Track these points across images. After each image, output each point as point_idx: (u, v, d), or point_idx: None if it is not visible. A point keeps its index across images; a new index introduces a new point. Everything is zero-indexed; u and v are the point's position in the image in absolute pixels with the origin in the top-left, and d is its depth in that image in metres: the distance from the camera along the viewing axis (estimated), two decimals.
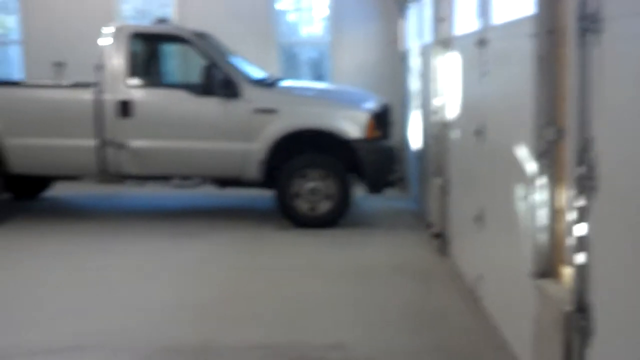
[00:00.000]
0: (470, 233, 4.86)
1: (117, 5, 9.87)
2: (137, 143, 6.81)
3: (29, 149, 6.79)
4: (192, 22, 9.28)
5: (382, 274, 5.49)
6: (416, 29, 7.87)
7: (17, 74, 10.01)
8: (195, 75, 7.03)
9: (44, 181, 8.29)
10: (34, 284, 5.19)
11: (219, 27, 9.09)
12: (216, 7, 9.78)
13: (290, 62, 11.71)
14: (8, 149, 6.76)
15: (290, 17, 11.50)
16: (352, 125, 6.85)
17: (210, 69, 6.82)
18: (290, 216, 6.94)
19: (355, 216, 7.39)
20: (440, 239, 5.94)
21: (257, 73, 7.56)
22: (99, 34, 6.98)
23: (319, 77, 10.79)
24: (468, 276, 4.99)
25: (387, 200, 8.03)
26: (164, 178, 7.23)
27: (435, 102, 6.09)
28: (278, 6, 10.40)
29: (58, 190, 8.50)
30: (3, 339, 4.17)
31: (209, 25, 8.68)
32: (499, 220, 4.19)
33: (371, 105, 7.12)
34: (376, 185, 7.07)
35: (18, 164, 6.85)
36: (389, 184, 7.18)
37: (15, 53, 10.22)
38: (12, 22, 10.10)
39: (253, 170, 6.87)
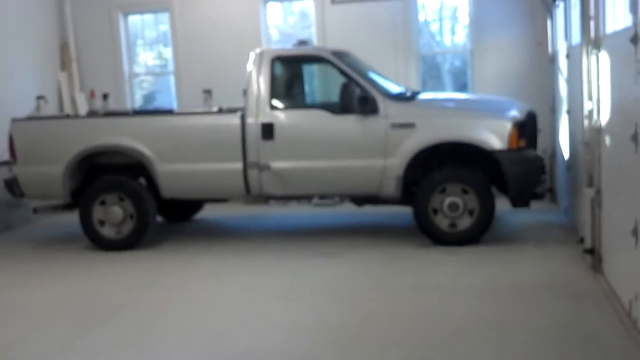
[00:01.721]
0: (626, 248, 4.44)
1: (263, 31, 10.24)
2: (278, 164, 6.96)
3: (180, 175, 7.16)
4: (333, 41, 9.48)
5: (529, 293, 5.17)
6: (564, 28, 7.43)
7: (173, 103, 10.69)
8: (335, 94, 7.08)
9: (194, 204, 8.75)
10: (184, 303, 5.44)
11: (359, 42, 9.19)
12: (355, 23, 9.85)
13: (432, 72, 11.51)
14: (160, 175, 7.17)
15: (431, 27, 11.32)
16: (494, 135, 6.56)
17: (348, 86, 6.84)
18: (429, 233, 6.76)
19: (499, 232, 7.07)
20: (593, 255, 5.49)
21: (395, 88, 7.48)
22: (246, 60, 7.23)
23: (461, 86, 10.51)
24: (624, 296, 4.56)
25: (534, 214, 7.61)
26: (304, 197, 7.34)
27: (586, 106, 5.67)
28: (418, 17, 10.26)
29: (207, 213, 8.93)
30: (151, 358, 4.40)
31: (349, 41, 8.79)
32: None
33: (514, 113, 6.78)
34: (521, 198, 6.71)
35: (169, 189, 7.24)
36: (536, 196, 6.79)
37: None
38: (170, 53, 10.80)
39: (391, 187, 6.78)
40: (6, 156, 7.54)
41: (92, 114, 8.59)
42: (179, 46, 10.49)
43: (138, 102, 11.24)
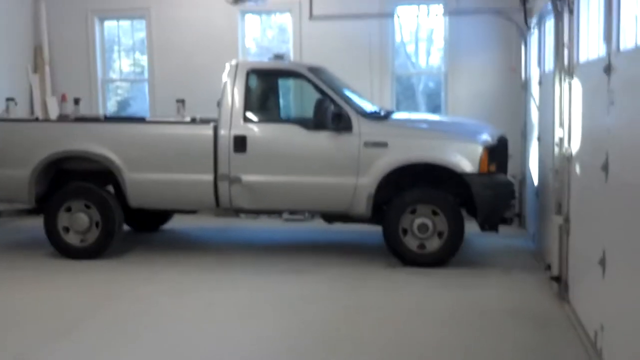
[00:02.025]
0: (594, 278, 4.45)
1: (240, 43, 10.20)
2: (250, 178, 6.90)
3: (148, 184, 7.05)
4: (310, 56, 9.46)
5: (495, 318, 5.17)
6: (537, 56, 7.52)
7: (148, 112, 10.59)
8: (310, 110, 7.06)
9: (163, 214, 8.63)
10: (145, 318, 5.33)
11: (335, 59, 9.19)
12: (333, 41, 9.86)
13: (407, 93, 11.59)
14: (128, 183, 7.06)
15: (407, 48, 11.41)
16: (465, 158, 6.59)
17: (323, 102, 6.82)
18: (398, 253, 6.75)
19: (468, 255, 7.08)
20: (560, 283, 5.53)
21: (369, 106, 7.49)
22: (222, 71, 7.18)
23: (435, 108, 10.60)
24: (589, 326, 4.58)
25: (503, 238, 7.64)
26: (275, 212, 7.29)
27: (557, 133, 5.72)
28: (395, 37, 10.32)
29: (176, 223, 8.82)
30: None
31: (325, 58, 8.79)
32: (625, 265, 3.80)
33: (486, 137, 6.83)
34: (490, 222, 6.74)
35: (137, 198, 7.13)
36: (504, 221, 6.85)
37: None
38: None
39: (362, 205, 6.76)
40: None
41: (62, 118, 8.45)
42: (155, 54, 10.40)
43: (112, 108, 11.12)
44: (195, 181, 6.97)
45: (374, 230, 7.19)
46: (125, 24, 11.09)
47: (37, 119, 7.94)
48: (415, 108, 11.08)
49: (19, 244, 7.98)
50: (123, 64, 11.49)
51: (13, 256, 7.39)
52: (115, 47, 11.26)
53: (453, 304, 5.54)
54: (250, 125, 6.97)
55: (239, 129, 6.92)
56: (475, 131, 7.06)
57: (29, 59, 10.35)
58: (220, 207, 7.10)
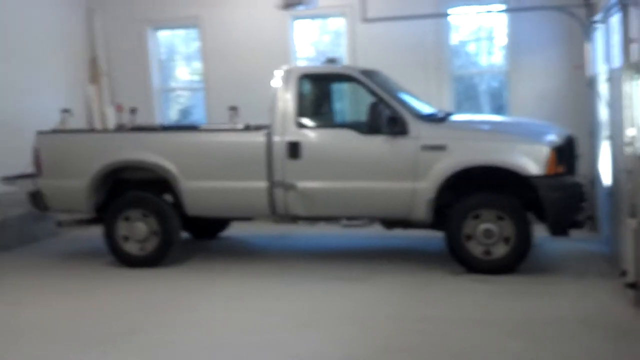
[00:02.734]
0: None
1: (291, 48, 10.11)
2: (304, 184, 6.76)
3: (204, 192, 7.00)
4: (364, 60, 9.28)
5: (566, 329, 4.85)
6: (604, 51, 7.13)
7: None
8: (364, 114, 6.87)
9: (221, 222, 8.58)
10: (200, 327, 5.23)
11: (390, 61, 8.99)
12: (387, 43, 9.67)
13: (468, 94, 11.24)
14: (184, 192, 7.02)
15: (466, 47, 11.07)
16: (530, 160, 6.26)
17: (377, 106, 6.63)
18: (462, 260, 6.47)
19: (536, 261, 6.74)
20: (636, 290, 5.16)
21: (426, 108, 7.24)
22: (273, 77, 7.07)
23: (498, 108, 10.23)
24: None
25: (573, 243, 7.26)
26: (331, 219, 7.12)
27: (628, 133, 5.37)
28: (453, 36, 10.02)
29: (235, 230, 8.76)
30: None
31: (380, 61, 8.58)
32: None
33: (553, 137, 6.49)
34: (560, 226, 6.38)
35: (193, 207, 7.08)
36: (575, 224, 6.45)
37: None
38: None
39: (421, 211, 6.52)
40: (31, 169, 7.44)
41: (120, 128, 8.51)
42: (209, 61, 10.41)
43: (174, 116, 11.20)
44: (250, 189, 6.87)
45: (437, 236, 6.93)
46: (180, 32, 11.15)
47: (93, 130, 8.00)
48: (478, 109, 10.72)
49: (80, 253, 8.07)
50: (180, 73, 11.55)
51: (72, 265, 7.46)
52: (177, 56, 11.33)
53: (521, 314, 5.24)
54: (304, 131, 6.82)
55: (293, 135, 6.79)
56: (541, 131, 6.73)
57: (85, 70, 10.51)
58: (276, 215, 6.98)
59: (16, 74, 8.91)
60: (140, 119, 9.38)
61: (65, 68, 10.06)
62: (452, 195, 6.55)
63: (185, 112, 11.45)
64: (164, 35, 11.00)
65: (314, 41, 10.70)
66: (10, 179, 7.54)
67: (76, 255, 7.95)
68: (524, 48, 9.41)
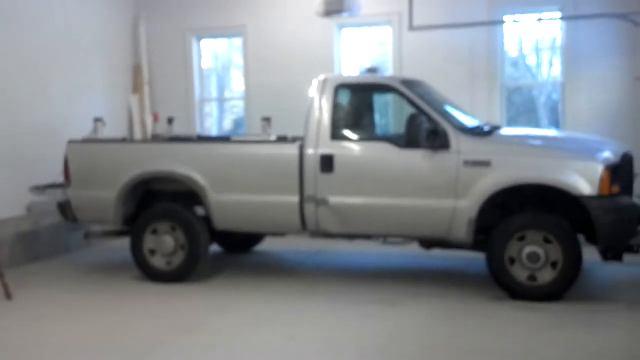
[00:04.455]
0: None
1: (335, 58, 9.78)
2: (337, 200, 6.38)
3: (233, 206, 6.70)
4: (411, 70, 8.90)
5: None
6: None
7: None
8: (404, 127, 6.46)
9: (255, 236, 8.28)
10: (220, 351, 4.92)
11: (438, 72, 8.62)
12: (435, 52, 9.28)
13: (525, 107, 10.70)
14: (213, 205, 6.74)
15: (521, 57, 10.54)
16: (582, 179, 5.73)
17: (416, 118, 6.21)
18: (504, 285, 5.97)
19: (586, 288, 6.19)
20: None
21: (470, 121, 6.78)
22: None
23: (553, 122, 9.66)
24: None
25: (628, 269, 6.67)
26: (365, 237, 6.72)
27: None
28: (506, 45, 9.51)
29: (269, 245, 8.46)
30: None
31: (427, 71, 8.22)
32: None
33: (608, 154, 5.94)
34: (613, 251, 5.84)
35: (222, 221, 6.80)
36: (630, 249, 5.89)
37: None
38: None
39: (462, 231, 6.06)
40: (62, 179, 7.32)
41: (155, 138, 8.33)
42: (250, 71, 10.18)
43: (228, 126, 11.05)
44: (281, 203, 6.54)
45: (479, 258, 6.45)
46: (224, 42, 11.00)
47: (123, 140, 7.83)
48: (535, 124, 10.17)
49: (109, 265, 7.89)
50: (224, 83, 11.39)
51: (100, 278, 7.27)
52: (216, 65, 11.21)
53: (568, 348, 4.73)
54: (339, 144, 6.45)
55: (326, 147, 6.43)
56: (595, 148, 6.18)
57: (128, 79, 10.43)
58: (307, 231, 6.62)
59: (58, 80, 8.88)
60: (181, 129, 9.21)
61: (108, 75, 10.00)
62: (496, 215, 6.08)
63: (239, 123, 11.27)
64: (208, 44, 10.84)
65: (361, 51, 10.34)
66: (40, 189, 7.44)
67: (105, 268, 7.77)
68: (582, 58, 8.86)
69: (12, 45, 8.12)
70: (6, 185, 7.86)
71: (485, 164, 6.00)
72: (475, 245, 6.22)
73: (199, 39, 10.65)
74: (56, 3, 8.92)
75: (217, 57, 11.25)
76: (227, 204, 6.72)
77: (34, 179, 7.69)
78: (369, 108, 7.28)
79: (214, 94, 11.19)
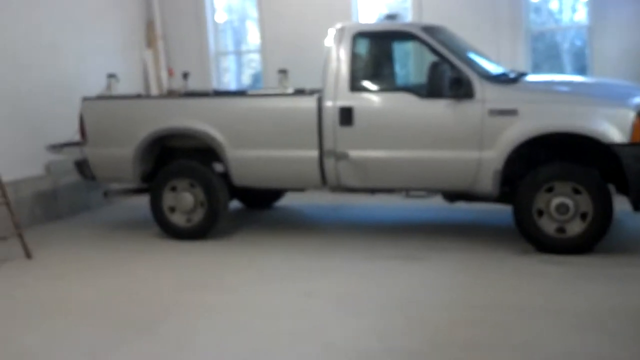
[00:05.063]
0: None
1: (353, 6, 9.46)
2: (357, 153, 6.21)
3: (251, 162, 6.56)
4: (431, 16, 8.57)
5: None
6: None
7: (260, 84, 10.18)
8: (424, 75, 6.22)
9: (275, 191, 8.16)
10: (235, 311, 4.83)
11: (459, 18, 8.33)
12: None
13: (548, 53, 10.33)
14: (231, 161, 6.60)
15: (541, 2, 10.13)
16: (613, 126, 5.48)
17: (438, 66, 5.96)
18: (532, 238, 5.80)
19: (617, 240, 6.00)
20: None
21: (495, 68, 6.52)
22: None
23: (582, 69, 9.32)
24: None
25: None
26: (387, 191, 6.57)
27: None
28: None
29: (290, 199, 8.35)
30: None
31: (448, 17, 7.91)
32: None
33: (639, 100, 5.67)
34: None
35: (241, 177, 6.67)
36: None
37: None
38: None
39: (487, 183, 5.87)
40: (78, 137, 7.21)
41: (170, 94, 8.17)
42: (266, 23, 9.91)
43: (246, 81, 10.84)
44: (300, 158, 6.38)
45: (504, 210, 6.27)
46: None
47: (138, 96, 7.67)
48: (560, 70, 9.81)
49: (129, 222, 7.85)
50: (240, 36, 11.13)
51: (120, 236, 7.23)
52: (231, 18, 10.93)
53: (597, 302, 4.57)
54: (358, 95, 6.23)
55: (345, 99, 6.22)
56: (626, 93, 5.90)
57: (141, 34, 10.22)
58: (327, 186, 6.47)
59: (69, 38, 8.69)
60: (197, 84, 9.04)
61: (120, 31, 9.80)
62: (522, 166, 5.87)
63: (257, 77, 11.05)
64: None
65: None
66: (57, 147, 7.34)
67: (126, 225, 7.73)
68: (608, 0, 8.45)
69: (22, 4, 7.94)
70: (23, 145, 7.77)
71: (512, 112, 5.76)
72: (501, 198, 6.03)
73: None
74: None
75: (231, 10, 10.96)
76: (245, 159, 6.57)
77: (51, 137, 7.58)
78: (389, 57, 7.02)
79: (230, 47, 10.93)
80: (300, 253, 6.20)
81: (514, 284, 5.07)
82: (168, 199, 6.88)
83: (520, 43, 8.87)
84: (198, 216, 6.81)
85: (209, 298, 5.11)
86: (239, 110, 6.62)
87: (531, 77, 6.77)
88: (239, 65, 10.90)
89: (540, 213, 5.74)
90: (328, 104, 6.25)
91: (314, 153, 6.32)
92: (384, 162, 6.15)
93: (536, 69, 9.29)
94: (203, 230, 6.80)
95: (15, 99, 7.80)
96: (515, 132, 5.74)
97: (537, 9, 9.49)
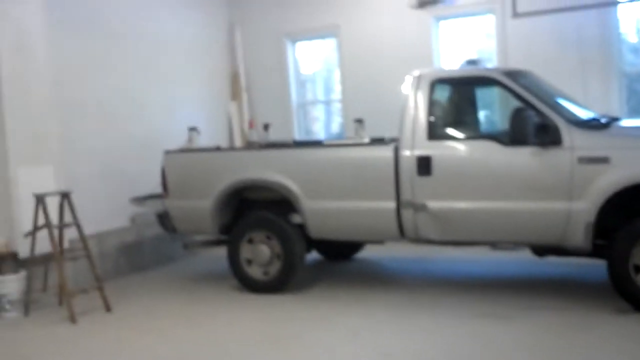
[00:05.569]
0: None
1: (434, 52, 9.29)
2: (436, 204, 5.94)
3: (327, 213, 6.41)
4: (515, 60, 8.29)
5: None
6: None
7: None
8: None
9: (354, 243, 7.96)
10: None
11: (547, 60, 7.96)
12: (542, 37, 8.55)
13: None
14: (307, 212, 6.49)
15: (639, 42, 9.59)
16: None
17: (522, 112, 5.64)
18: (628, 296, 5.31)
19: None
20: None
21: (585, 113, 6.13)
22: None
23: None
24: None
25: None
26: (467, 244, 6.24)
27: None
28: (621, 29, 8.64)
29: (370, 252, 8.12)
30: None
31: (534, 60, 7.58)
32: None
33: None
34: None
35: (317, 229, 6.53)
36: None
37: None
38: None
39: (578, 236, 5.45)
40: (160, 189, 7.32)
41: (249, 145, 8.20)
42: (346, 72, 9.88)
43: (335, 130, 10.84)
44: (376, 209, 6.18)
45: (599, 265, 5.80)
46: (328, 43, 10.75)
47: (217, 148, 7.74)
48: None
49: (210, 274, 7.85)
50: (329, 85, 11.15)
51: (200, 288, 7.22)
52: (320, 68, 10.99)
53: None
54: (436, 144, 6.00)
55: (423, 148, 6.00)
56: None
57: (226, 86, 10.42)
58: (405, 238, 6.22)
59: (155, 92, 8.95)
60: (279, 135, 9.06)
61: (206, 84, 10.03)
62: (618, 217, 5.42)
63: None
64: (305, 46, 10.63)
65: (462, 43, 9.77)
66: (140, 200, 7.48)
67: (205, 277, 7.73)
68: None
69: (110, 61, 8.25)
70: (110, 197, 7.98)
71: (603, 160, 5.37)
72: (594, 252, 5.59)
73: (293, 41, 10.47)
74: (150, 16, 9.00)
75: (321, 60, 11.00)
76: (321, 210, 6.44)
77: (136, 191, 7.76)
78: (469, 103, 6.77)
79: (320, 97, 10.93)
80: (379, 309, 5.94)
81: (609, 347, 4.60)
82: (245, 251, 6.82)
83: (613, 85, 8.38)
84: (275, 269, 6.71)
85: (284, 353, 4.94)
86: (314, 160, 6.53)
87: (625, 122, 6.33)
88: (329, 114, 10.88)
89: (638, 269, 5.26)
90: (405, 153, 6.06)
91: (391, 204, 6.11)
92: (464, 213, 5.85)
93: (633, 114, 8.75)
94: (280, 283, 6.68)
95: (104, 153, 8.05)
96: (608, 181, 5.33)
97: (635, 49, 8.97)
